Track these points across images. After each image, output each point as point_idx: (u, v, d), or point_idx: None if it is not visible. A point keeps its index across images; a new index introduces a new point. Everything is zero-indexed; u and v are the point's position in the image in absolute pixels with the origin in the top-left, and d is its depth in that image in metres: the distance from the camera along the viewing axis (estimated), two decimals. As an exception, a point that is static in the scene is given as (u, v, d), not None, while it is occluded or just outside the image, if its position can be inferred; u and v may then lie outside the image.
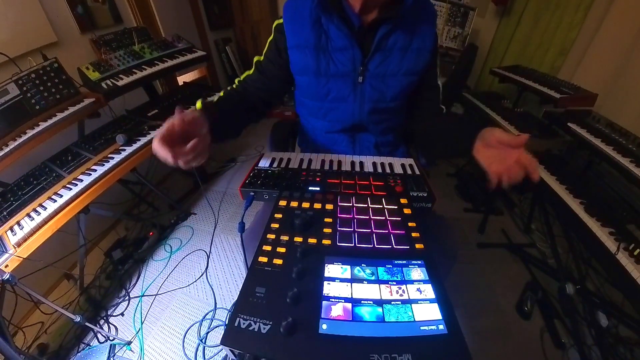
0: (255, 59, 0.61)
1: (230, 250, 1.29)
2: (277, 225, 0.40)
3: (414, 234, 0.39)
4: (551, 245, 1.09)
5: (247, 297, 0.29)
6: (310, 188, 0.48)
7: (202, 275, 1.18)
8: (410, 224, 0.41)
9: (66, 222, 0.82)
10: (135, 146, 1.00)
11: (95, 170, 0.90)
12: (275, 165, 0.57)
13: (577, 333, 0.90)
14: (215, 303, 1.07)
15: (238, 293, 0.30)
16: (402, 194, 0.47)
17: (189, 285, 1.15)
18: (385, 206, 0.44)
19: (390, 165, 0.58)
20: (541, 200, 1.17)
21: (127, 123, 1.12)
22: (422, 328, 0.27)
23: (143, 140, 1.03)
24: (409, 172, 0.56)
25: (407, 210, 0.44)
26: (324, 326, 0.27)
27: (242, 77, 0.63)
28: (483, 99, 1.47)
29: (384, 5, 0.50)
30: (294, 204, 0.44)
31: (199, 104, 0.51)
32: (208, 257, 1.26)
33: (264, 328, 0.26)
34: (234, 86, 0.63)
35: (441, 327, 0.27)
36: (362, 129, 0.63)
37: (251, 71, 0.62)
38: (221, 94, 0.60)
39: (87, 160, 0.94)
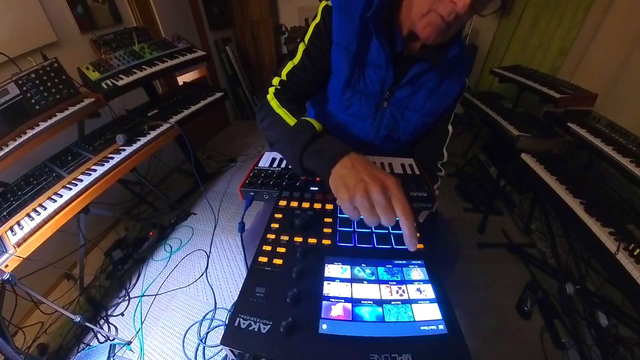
0: (301, 47, 0.53)
1: (230, 250, 1.29)
2: (277, 225, 0.40)
3: None
4: (551, 245, 1.09)
5: (247, 297, 0.29)
6: (310, 188, 0.48)
7: (202, 275, 1.18)
8: None
9: (66, 222, 0.82)
10: (135, 146, 1.00)
11: (95, 170, 0.90)
12: (275, 165, 0.57)
13: (577, 333, 0.91)
14: (215, 303, 1.07)
15: (238, 293, 0.30)
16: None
17: (189, 285, 1.15)
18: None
19: (390, 165, 0.58)
20: (541, 200, 1.17)
21: (127, 123, 1.12)
22: (422, 328, 0.27)
23: (143, 140, 1.03)
24: (409, 171, 0.56)
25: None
26: (324, 326, 0.27)
27: (285, 72, 0.53)
28: (483, 99, 1.47)
29: (432, 45, 0.47)
30: (294, 204, 0.44)
31: (317, 125, 0.42)
32: (208, 257, 1.26)
33: (264, 328, 0.26)
34: (279, 87, 0.52)
35: (441, 327, 0.27)
36: (371, 150, 0.62)
37: (296, 60, 0.53)
38: (277, 106, 0.47)
39: (87, 160, 0.94)
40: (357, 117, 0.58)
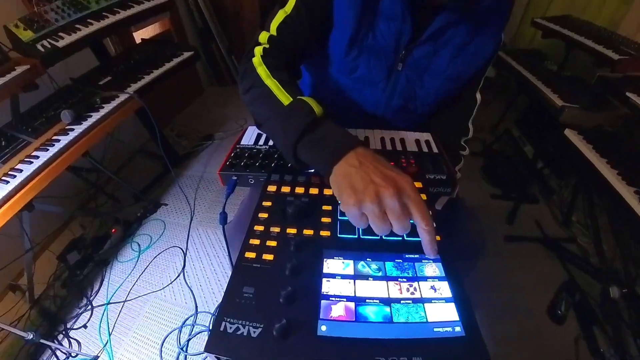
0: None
1: (210, 246, 1.32)
2: (265, 215, 0.40)
3: None
4: (595, 240, 1.11)
5: (234, 298, 0.30)
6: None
7: (178, 275, 1.22)
8: None
9: (6, 223, 0.81)
10: (85, 124, 0.98)
11: (37, 157, 0.88)
12: (261, 142, 0.56)
13: (619, 342, 0.93)
14: (196, 306, 1.12)
15: (222, 294, 0.32)
16: (416, 176, 0.48)
17: (163, 288, 1.19)
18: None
19: (403, 141, 0.58)
20: (586, 188, 1.19)
21: (73, 95, 1.09)
22: (435, 330, 0.28)
23: (95, 116, 1.01)
24: (425, 149, 0.55)
25: (422, 196, 0.44)
26: (323, 328, 0.28)
27: (274, 25, 0.51)
28: (521, 59, 1.44)
29: None
30: (286, 189, 0.44)
31: (317, 108, 0.41)
32: (185, 254, 1.29)
33: (254, 332, 0.28)
34: (268, 46, 0.50)
35: (458, 329, 0.28)
36: (381, 124, 0.61)
37: (289, 7, 0.50)
38: (266, 75, 0.45)
39: (26, 145, 0.92)
40: (365, 83, 0.57)
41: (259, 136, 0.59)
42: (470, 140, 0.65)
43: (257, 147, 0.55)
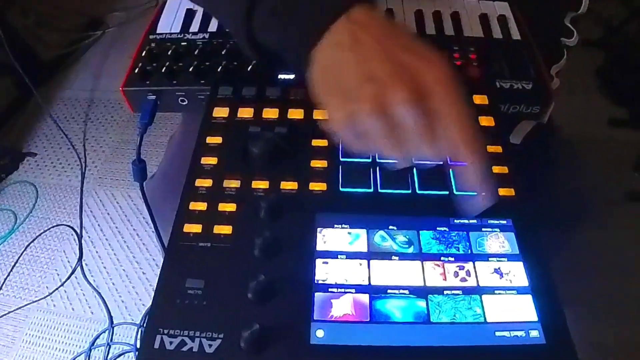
0: None
1: (123, 218, 1.35)
2: (214, 160, 0.41)
3: (497, 168, 0.40)
4: None
5: (172, 299, 0.32)
6: (278, 76, 0.48)
7: (73, 271, 1.27)
8: (491, 148, 0.41)
9: None
10: None
11: None
12: (194, 27, 0.56)
13: None
14: (111, 316, 1.18)
15: (152, 294, 0.34)
16: (477, 83, 0.47)
17: (50, 295, 1.24)
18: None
19: (456, 17, 0.56)
20: None
21: None
22: (498, 334, 0.30)
23: None
24: (497, 34, 0.55)
25: (487, 119, 0.44)
26: (319, 333, 0.30)
27: None
28: None
29: None
30: (246, 112, 0.44)
31: None
32: (79, 236, 1.33)
33: (211, 345, 0.29)
34: None
35: (535, 333, 0.30)
36: None
37: None
38: None
39: None
40: None
41: (189, 15, 0.57)
42: (583, 18, 0.63)
43: (188, 36, 0.54)
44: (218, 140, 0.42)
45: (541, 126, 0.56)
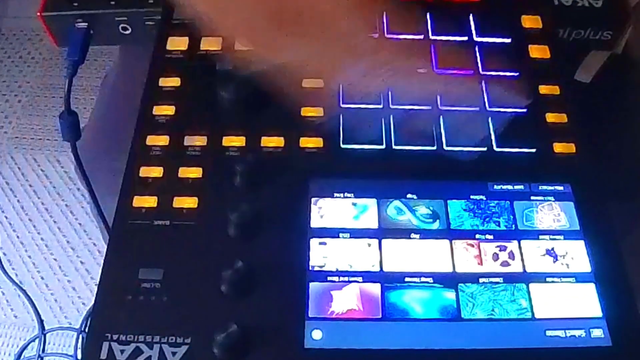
0: None
1: (51, 191, 1.36)
2: (170, 110, 0.41)
3: (552, 115, 0.41)
4: None
5: (121, 295, 0.32)
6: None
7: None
8: (544, 88, 0.42)
9: None
10: None
11: None
12: None
13: None
14: (41, 321, 1.20)
15: (94, 290, 0.33)
16: None
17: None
18: (475, 40, 0.46)
19: None
20: None
21: None
22: (550, 334, 0.31)
23: None
24: None
25: (539, 49, 0.44)
26: (317, 334, 0.31)
27: None
28: None
29: None
30: (213, 43, 0.45)
31: None
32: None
33: (174, 352, 0.30)
34: None
35: (598, 332, 0.31)
36: None
37: None
38: None
39: None
40: None
41: None
42: None
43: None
44: (175, 82, 0.42)
45: (613, 59, 0.56)
